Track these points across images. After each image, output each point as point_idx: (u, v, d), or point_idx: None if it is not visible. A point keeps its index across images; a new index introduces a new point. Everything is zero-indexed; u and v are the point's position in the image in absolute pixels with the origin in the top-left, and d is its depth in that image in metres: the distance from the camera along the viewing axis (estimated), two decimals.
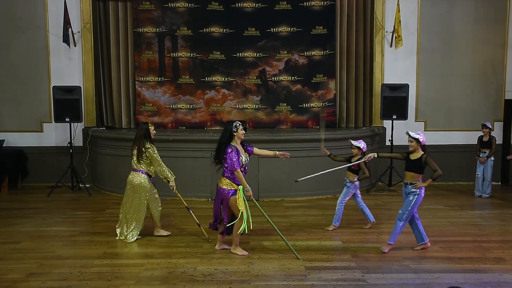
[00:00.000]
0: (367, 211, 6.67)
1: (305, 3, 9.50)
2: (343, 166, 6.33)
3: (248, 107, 9.73)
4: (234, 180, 5.42)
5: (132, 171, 6.12)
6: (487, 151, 8.33)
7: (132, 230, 6.09)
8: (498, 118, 9.67)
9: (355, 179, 6.49)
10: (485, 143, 8.38)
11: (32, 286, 4.75)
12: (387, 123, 9.41)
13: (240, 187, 5.42)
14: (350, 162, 6.44)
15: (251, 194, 5.45)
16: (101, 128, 9.49)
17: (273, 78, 9.69)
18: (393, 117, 8.96)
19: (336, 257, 5.53)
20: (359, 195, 6.70)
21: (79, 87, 8.99)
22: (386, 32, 9.46)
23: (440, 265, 5.24)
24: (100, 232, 6.45)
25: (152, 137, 6.12)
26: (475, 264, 5.27)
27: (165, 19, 9.56)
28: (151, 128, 6.13)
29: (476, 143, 8.55)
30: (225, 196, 5.46)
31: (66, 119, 8.81)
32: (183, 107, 9.71)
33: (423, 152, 5.52)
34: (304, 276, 4.95)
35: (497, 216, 7.30)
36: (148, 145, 6.02)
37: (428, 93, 9.60)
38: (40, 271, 5.11)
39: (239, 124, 5.52)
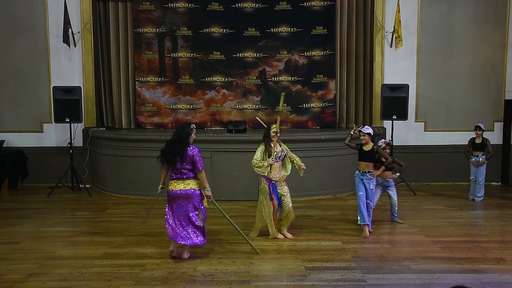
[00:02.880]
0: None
1: (305, 4, 9.51)
2: (378, 172, 6.42)
3: (248, 108, 9.74)
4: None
5: None
6: (480, 154, 8.10)
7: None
8: (498, 118, 9.68)
9: (397, 175, 6.83)
10: (477, 145, 8.12)
11: (32, 286, 4.75)
12: (387, 123, 9.41)
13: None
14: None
15: (211, 195, 5.39)
16: (101, 129, 9.50)
17: (273, 78, 9.70)
18: (393, 117, 8.96)
19: (336, 257, 5.52)
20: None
21: (79, 87, 8.99)
22: (386, 32, 9.46)
23: (440, 266, 5.24)
24: (100, 233, 6.45)
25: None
26: (475, 265, 5.27)
27: (165, 20, 9.56)
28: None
29: (467, 144, 8.30)
30: (191, 196, 5.33)
31: (66, 120, 8.80)
32: (183, 108, 9.71)
33: (373, 144, 6.31)
34: (304, 276, 4.95)
35: (497, 217, 7.30)
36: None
37: (428, 93, 9.60)
38: (40, 271, 5.11)
39: (194, 127, 5.52)
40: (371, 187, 6.31)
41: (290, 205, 6.13)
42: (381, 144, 6.74)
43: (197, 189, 5.38)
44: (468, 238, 6.23)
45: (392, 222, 6.96)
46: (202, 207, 5.43)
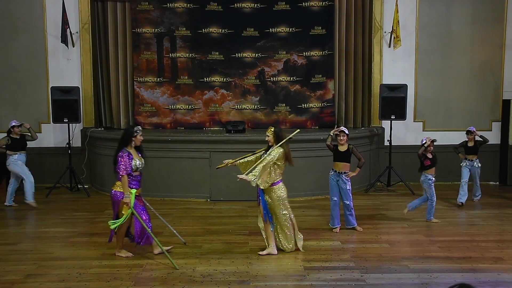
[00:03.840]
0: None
1: (303, 4, 9.51)
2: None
3: (247, 108, 9.73)
4: (129, 183, 5.36)
5: None
6: (474, 158, 7.87)
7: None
8: (496, 118, 9.69)
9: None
10: (470, 149, 7.90)
11: (30, 287, 4.74)
12: (385, 124, 9.41)
13: (133, 190, 5.38)
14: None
15: (129, 201, 5.29)
16: (99, 129, 9.48)
17: (272, 78, 9.69)
18: (392, 117, 8.96)
19: (335, 257, 5.53)
20: None
21: (78, 87, 8.98)
22: (385, 32, 9.46)
23: (438, 265, 5.25)
24: (99, 233, 6.43)
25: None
26: (473, 264, 5.28)
27: (164, 20, 9.55)
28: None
29: (458, 144, 8.07)
30: (116, 198, 5.39)
31: (65, 120, 8.79)
32: (182, 108, 9.71)
33: (348, 144, 6.43)
34: (303, 276, 4.96)
35: (495, 216, 7.31)
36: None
37: (427, 93, 9.61)
38: (38, 272, 5.10)
39: (139, 129, 5.50)
40: (348, 187, 6.38)
41: (283, 212, 5.59)
42: (425, 141, 6.77)
43: (117, 191, 5.37)
44: (467, 238, 6.24)
45: (389, 222, 6.98)
46: (141, 209, 5.43)
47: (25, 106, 9.40)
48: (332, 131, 6.59)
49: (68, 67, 9.40)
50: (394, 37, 9.19)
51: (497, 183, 9.66)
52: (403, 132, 9.55)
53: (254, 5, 9.49)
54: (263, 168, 5.42)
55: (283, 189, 5.62)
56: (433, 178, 6.83)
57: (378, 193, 8.83)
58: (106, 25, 9.53)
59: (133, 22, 9.51)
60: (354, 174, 6.44)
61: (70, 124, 8.91)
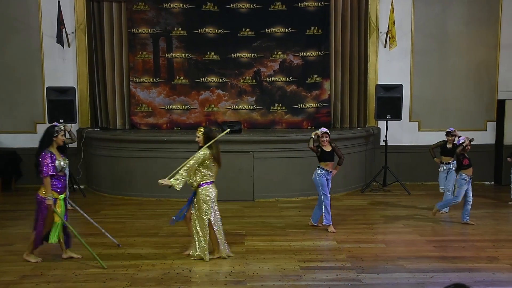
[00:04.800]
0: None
1: (299, 4, 9.52)
2: None
3: (243, 108, 9.74)
4: (54, 187, 5.21)
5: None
6: (451, 161, 7.25)
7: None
8: (491, 118, 9.74)
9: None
10: (448, 151, 7.32)
11: None
12: (381, 124, 9.44)
13: (61, 196, 5.26)
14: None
15: (52, 203, 5.14)
16: (95, 129, 9.45)
17: (268, 78, 9.70)
18: (388, 117, 8.99)
19: (331, 257, 5.54)
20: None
21: (73, 88, 8.95)
22: (380, 33, 9.50)
23: (434, 265, 5.27)
24: (95, 234, 6.41)
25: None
26: (468, 263, 5.31)
27: (160, 20, 9.54)
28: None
29: (434, 144, 7.66)
30: (41, 203, 5.22)
31: (60, 120, 8.73)
32: (178, 108, 9.70)
33: (330, 143, 6.56)
34: (299, 276, 4.97)
35: (490, 216, 7.35)
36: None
37: (422, 93, 9.65)
38: (34, 273, 5.09)
39: (61, 129, 5.34)
40: (330, 186, 6.61)
41: (204, 216, 5.35)
42: (463, 140, 6.71)
43: (39, 195, 5.24)
44: (462, 237, 6.28)
45: (385, 222, 7.00)
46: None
47: (21, 107, 9.37)
48: (313, 134, 6.56)
49: (63, 67, 9.38)
50: (389, 38, 9.22)
51: (492, 183, 9.71)
52: (399, 132, 9.59)
53: (250, 6, 9.50)
54: (188, 170, 5.26)
55: (210, 191, 5.38)
56: (468, 179, 6.71)
57: (374, 193, 8.86)
58: (102, 25, 9.51)
59: (129, 22, 9.50)
60: (336, 171, 6.66)
61: (67, 124, 8.88)
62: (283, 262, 5.35)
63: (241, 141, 8.35)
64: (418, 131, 9.69)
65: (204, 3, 9.46)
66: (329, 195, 6.55)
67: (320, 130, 6.54)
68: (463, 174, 6.73)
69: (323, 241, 6.11)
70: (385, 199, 8.45)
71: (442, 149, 7.48)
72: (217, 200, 5.50)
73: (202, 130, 5.49)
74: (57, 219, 5.22)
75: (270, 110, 9.73)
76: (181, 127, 9.66)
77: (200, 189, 5.38)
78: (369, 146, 9.33)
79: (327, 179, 6.52)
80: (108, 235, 5.87)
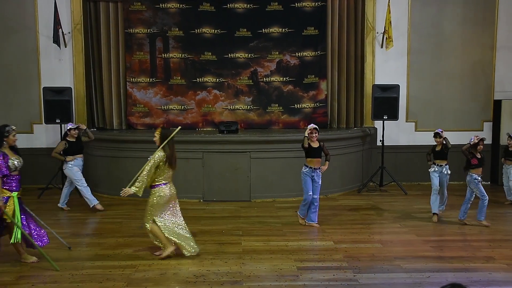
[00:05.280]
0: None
1: (296, 4, 9.53)
2: None
3: (240, 108, 9.74)
4: (8, 186, 5.13)
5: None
6: (444, 163, 7.04)
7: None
8: (487, 118, 9.78)
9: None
10: (438, 153, 7.07)
11: None
12: (378, 124, 9.46)
13: (14, 193, 5.17)
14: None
15: (2, 204, 5.04)
16: (92, 130, 9.42)
17: (264, 79, 9.71)
18: (384, 117, 9.01)
19: (328, 257, 5.54)
20: None
21: (70, 88, 8.93)
22: (377, 33, 9.51)
23: (430, 265, 5.28)
24: (91, 234, 6.41)
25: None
26: (465, 263, 5.32)
27: (157, 20, 9.53)
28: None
29: (429, 151, 7.31)
30: None
31: (57, 121, 8.75)
32: (174, 108, 9.69)
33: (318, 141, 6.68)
34: (296, 276, 4.97)
35: (487, 216, 7.35)
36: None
37: (419, 93, 9.67)
38: (30, 273, 5.08)
39: (12, 129, 5.24)
40: (320, 182, 6.64)
41: (148, 217, 5.41)
42: (473, 139, 6.68)
43: None
44: (458, 237, 6.29)
45: (382, 222, 7.02)
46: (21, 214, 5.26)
47: (17, 107, 9.35)
48: (306, 132, 6.60)
49: (60, 68, 9.36)
50: (386, 38, 9.24)
51: (489, 183, 9.73)
52: (396, 132, 9.61)
53: (246, 6, 9.50)
54: (147, 174, 5.21)
55: (161, 193, 5.33)
56: (479, 178, 6.67)
57: (370, 193, 8.87)
58: (99, 26, 9.50)
59: (126, 23, 9.49)
60: (326, 168, 6.67)
61: (63, 125, 8.86)
62: (280, 262, 5.35)
63: (237, 141, 8.35)
64: (415, 131, 9.71)
65: (201, 3, 9.46)
66: (310, 192, 6.57)
67: (309, 126, 6.66)
68: (474, 175, 6.66)
69: (320, 241, 6.12)
70: (382, 199, 8.46)
71: (433, 152, 7.21)
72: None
73: (159, 130, 5.50)
74: (9, 218, 5.14)
75: (267, 110, 9.73)
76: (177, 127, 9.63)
77: (152, 190, 5.37)
78: (365, 146, 9.35)
79: (312, 177, 6.58)
80: (59, 238, 5.76)
